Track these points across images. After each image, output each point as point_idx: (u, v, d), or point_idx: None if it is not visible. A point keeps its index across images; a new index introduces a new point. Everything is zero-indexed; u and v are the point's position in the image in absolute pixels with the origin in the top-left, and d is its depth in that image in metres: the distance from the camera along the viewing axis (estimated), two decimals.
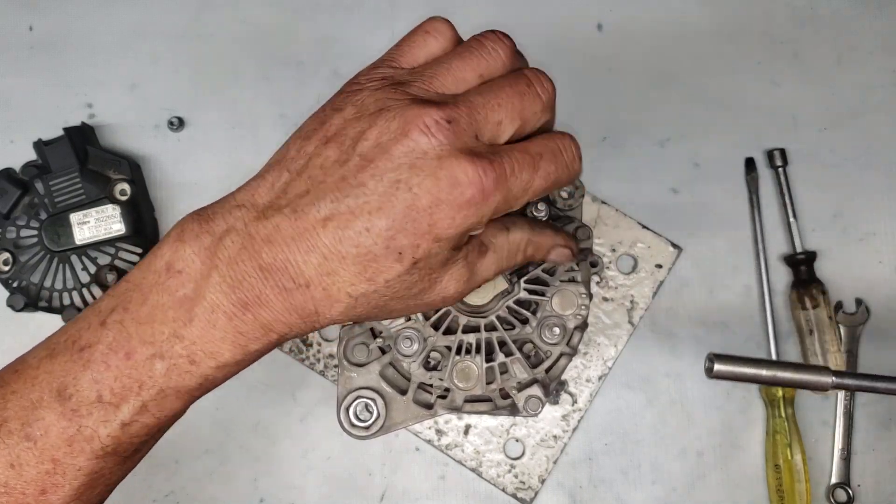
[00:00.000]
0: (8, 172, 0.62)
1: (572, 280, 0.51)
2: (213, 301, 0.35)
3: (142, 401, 0.36)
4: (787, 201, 0.63)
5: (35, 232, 0.61)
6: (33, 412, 0.36)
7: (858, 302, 0.63)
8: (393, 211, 0.35)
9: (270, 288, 0.36)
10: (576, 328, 0.51)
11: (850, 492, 0.61)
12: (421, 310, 0.41)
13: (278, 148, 0.39)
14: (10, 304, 0.60)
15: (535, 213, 0.50)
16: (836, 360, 0.61)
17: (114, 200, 0.61)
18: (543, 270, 0.51)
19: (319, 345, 0.63)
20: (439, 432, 0.62)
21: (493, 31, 0.40)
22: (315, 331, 0.38)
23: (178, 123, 0.66)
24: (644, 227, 0.64)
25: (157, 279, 0.36)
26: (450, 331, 0.50)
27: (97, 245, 0.61)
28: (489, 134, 0.37)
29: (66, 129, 0.61)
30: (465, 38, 0.40)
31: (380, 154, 0.35)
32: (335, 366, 0.63)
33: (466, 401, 0.53)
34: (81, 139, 0.62)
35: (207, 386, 0.37)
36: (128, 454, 0.38)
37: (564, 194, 0.54)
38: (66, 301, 0.61)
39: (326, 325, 0.38)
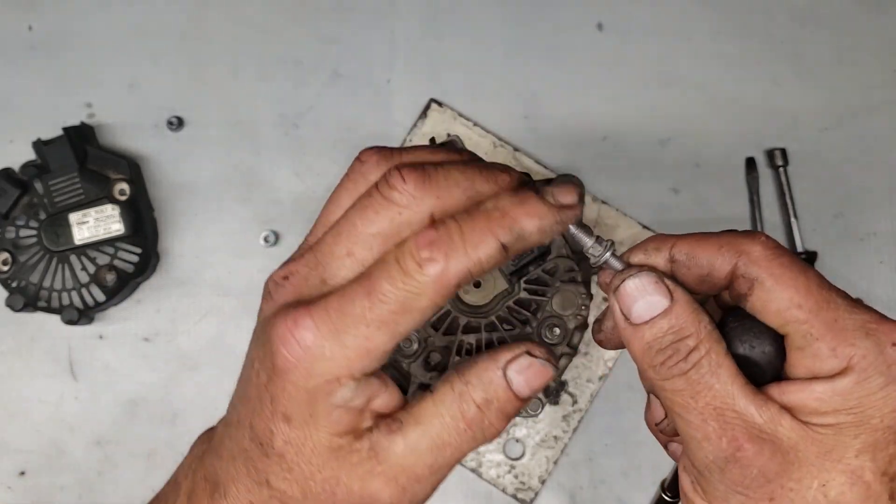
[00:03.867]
0: (7, 172, 0.62)
1: (573, 280, 0.51)
2: None
3: None
4: (788, 201, 0.63)
5: (34, 232, 0.61)
6: None
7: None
8: None
9: None
10: (576, 328, 0.51)
11: None
12: None
13: None
14: (10, 304, 0.60)
15: None
16: None
17: (113, 200, 0.61)
18: (544, 271, 0.51)
19: None
20: None
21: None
22: None
23: (177, 123, 0.66)
24: (644, 227, 0.64)
25: None
26: (450, 331, 0.50)
27: (96, 245, 0.61)
28: None
29: (65, 129, 0.61)
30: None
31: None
32: None
33: None
34: (81, 139, 0.62)
35: None
36: None
37: None
38: (66, 301, 0.61)
39: None
